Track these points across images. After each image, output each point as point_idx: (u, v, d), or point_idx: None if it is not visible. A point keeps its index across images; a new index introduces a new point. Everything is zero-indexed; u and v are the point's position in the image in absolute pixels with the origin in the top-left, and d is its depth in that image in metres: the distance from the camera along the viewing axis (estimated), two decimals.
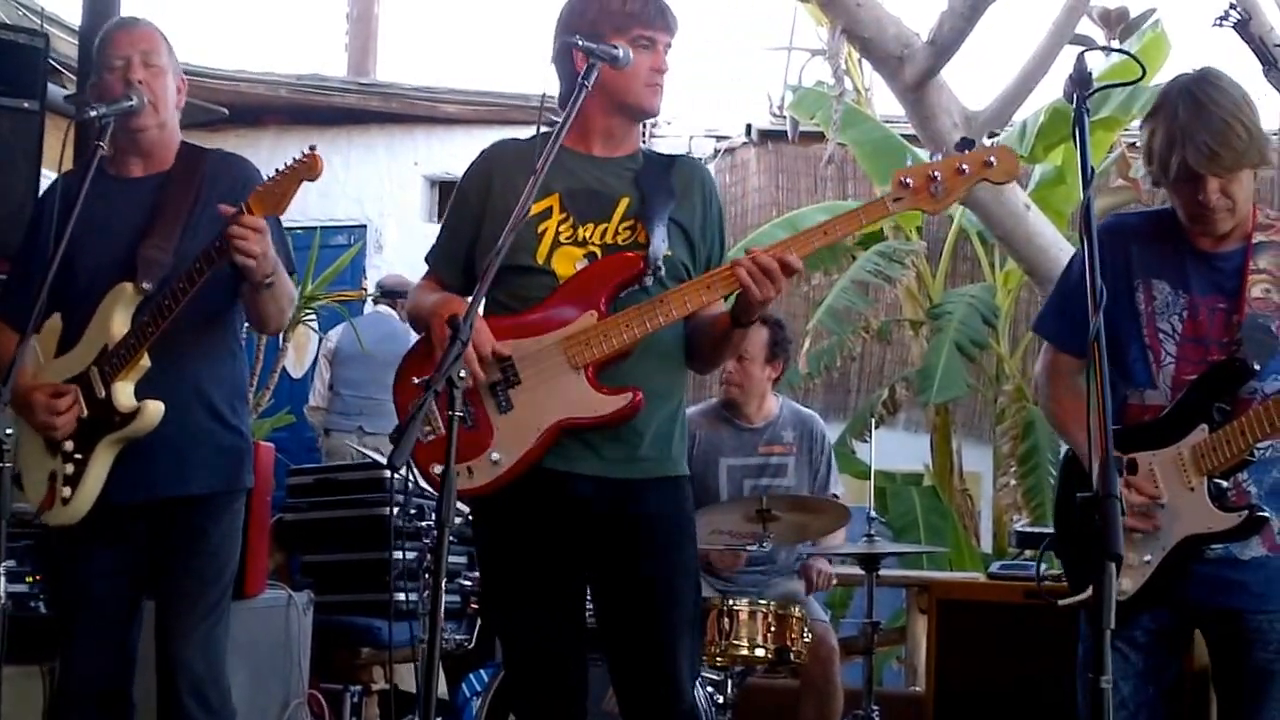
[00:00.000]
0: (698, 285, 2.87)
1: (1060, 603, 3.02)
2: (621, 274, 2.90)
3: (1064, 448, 3.21)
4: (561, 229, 2.96)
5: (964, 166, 2.79)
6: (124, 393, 3.23)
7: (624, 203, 2.98)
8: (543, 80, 2.98)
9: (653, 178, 3.01)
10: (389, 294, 8.36)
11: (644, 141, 3.32)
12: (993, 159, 2.79)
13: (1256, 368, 2.86)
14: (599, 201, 2.98)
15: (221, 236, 3.11)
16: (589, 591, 3.08)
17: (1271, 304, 2.91)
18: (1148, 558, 2.90)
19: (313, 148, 3.12)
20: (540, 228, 2.96)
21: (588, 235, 2.96)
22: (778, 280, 2.77)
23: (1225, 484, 2.87)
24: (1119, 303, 2.98)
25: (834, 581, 5.13)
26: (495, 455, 2.88)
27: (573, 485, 2.90)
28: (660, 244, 2.92)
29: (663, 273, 2.91)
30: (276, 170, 3.14)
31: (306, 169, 3.10)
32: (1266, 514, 2.85)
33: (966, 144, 2.82)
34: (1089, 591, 2.69)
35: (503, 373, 2.89)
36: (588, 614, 3.13)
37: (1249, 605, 2.91)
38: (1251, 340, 2.87)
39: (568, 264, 2.94)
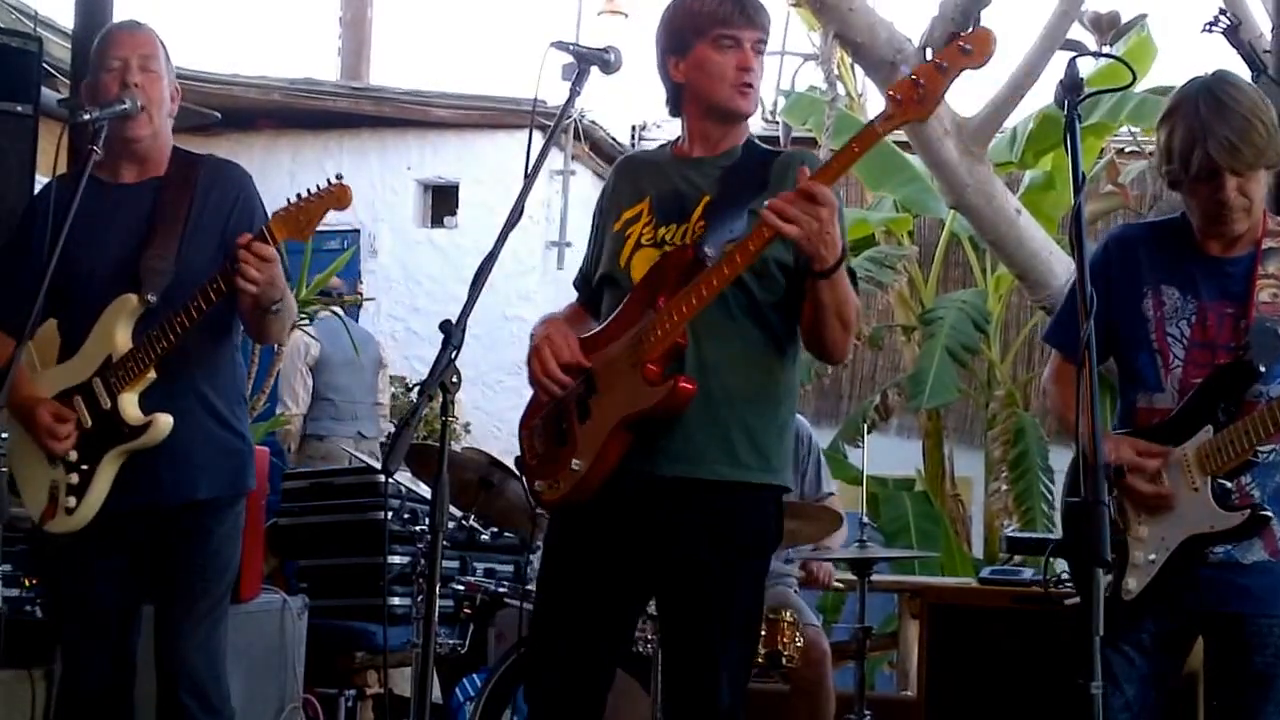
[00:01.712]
0: (729, 255, 2.78)
1: (1068, 602, 3.05)
2: (675, 268, 2.86)
3: (1054, 453, 3.24)
4: (644, 232, 2.97)
5: (941, 62, 2.66)
6: (131, 404, 3.23)
7: (704, 201, 2.94)
8: (536, 85, 2.97)
9: (742, 171, 2.96)
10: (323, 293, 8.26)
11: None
12: (966, 45, 2.64)
13: (1261, 369, 2.88)
14: (682, 202, 2.96)
15: (234, 258, 3.11)
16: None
17: (1279, 308, 2.94)
18: (1152, 556, 2.93)
19: (339, 176, 3.11)
20: (627, 233, 2.98)
21: (667, 235, 2.94)
22: (805, 211, 2.64)
23: (1229, 485, 2.90)
24: (1129, 308, 3.03)
25: (834, 577, 5.15)
26: (576, 463, 2.88)
27: (647, 483, 2.87)
28: (722, 236, 2.84)
29: None
30: (299, 195, 3.13)
31: (335, 199, 3.10)
32: (1269, 513, 2.88)
33: (952, 36, 2.72)
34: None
35: (585, 384, 2.89)
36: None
37: (1251, 609, 2.93)
38: (1258, 343, 2.89)
39: (644, 266, 2.93)
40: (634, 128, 10.88)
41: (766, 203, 2.70)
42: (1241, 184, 2.89)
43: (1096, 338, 3.05)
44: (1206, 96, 2.88)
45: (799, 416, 5.20)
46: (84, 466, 3.25)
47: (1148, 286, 3.03)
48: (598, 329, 2.97)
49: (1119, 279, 3.05)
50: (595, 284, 3.06)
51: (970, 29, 2.70)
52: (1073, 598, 3.06)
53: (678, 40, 2.97)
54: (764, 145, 3.07)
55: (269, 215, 3.37)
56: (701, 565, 2.87)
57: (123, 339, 3.25)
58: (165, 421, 3.22)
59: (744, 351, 2.90)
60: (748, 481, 2.91)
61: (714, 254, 2.81)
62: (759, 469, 2.92)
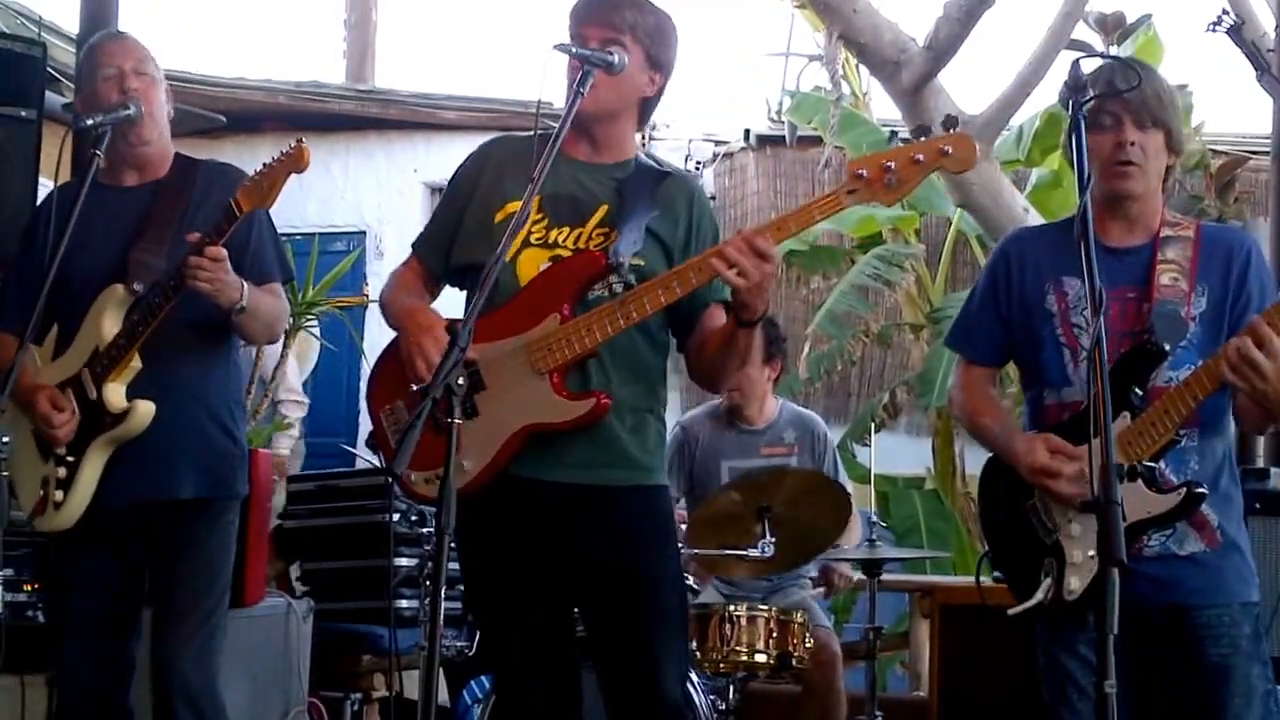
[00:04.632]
0: (657, 284, 2.82)
1: (1010, 612, 2.99)
2: (584, 273, 2.88)
3: None
4: (534, 230, 2.95)
5: (919, 156, 2.67)
6: (115, 393, 3.23)
7: (602, 209, 2.96)
8: (540, 87, 2.96)
9: (637, 187, 2.98)
10: None
11: (644, 145, 3.31)
12: (948, 147, 2.66)
13: (1166, 348, 2.85)
14: (577, 206, 2.97)
15: (205, 236, 3.13)
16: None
17: (1179, 290, 2.93)
18: (1091, 552, 2.85)
19: (300, 140, 3.13)
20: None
21: (560, 238, 2.95)
22: (753, 264, 2.70)
23: (1155, 466, 2.84)
24: (1032, 306, 3.02)
25: (854, 581, 5.14)
26: (465, 464, 2.84)
27: (543, 492, 2.90)
28: (630, 247, 2.88)
29: (632, 279, 2.88)
30: (264, 164, 3.15)
31: (294, 161, 3.11)
32: (1204, 490, 2.82)
33: (923, 131, 2.73)
34: (1036, 598, 2.83)
35: (468, 378, 2.84)
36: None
37: (1192, 600, 2.89)
38: (1161, 325, 2.88)
39: (531, 266, 2.93)
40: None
41: (717, 247, 2.76)
42: (1141, 140, 2.89)
43: (995, 343, 3.09)
44: (1128, 61, 3.00)
45: (815, 414, 5.24)
46: (70, 459, 3.24)
47: (1049, 281, 3.01)
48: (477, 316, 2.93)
49: (1019, 280, 3.04)
50: (461, 267, 3.01)
51: (953, 129, 2.70)
52: (1015, 607, 2.99)
53: None
54: (652, 164, 3.10)
55: (269, 215, 3.37)
56: (612, 569, 2.92)
57: (110, 328, 3.25)
58: (146, 408, 3.21)
59: (638, 362, 2.95)
60: (638, 485, 2.95)
61: (620, 266, 2.85)
62: (646, 470, 2.97)
